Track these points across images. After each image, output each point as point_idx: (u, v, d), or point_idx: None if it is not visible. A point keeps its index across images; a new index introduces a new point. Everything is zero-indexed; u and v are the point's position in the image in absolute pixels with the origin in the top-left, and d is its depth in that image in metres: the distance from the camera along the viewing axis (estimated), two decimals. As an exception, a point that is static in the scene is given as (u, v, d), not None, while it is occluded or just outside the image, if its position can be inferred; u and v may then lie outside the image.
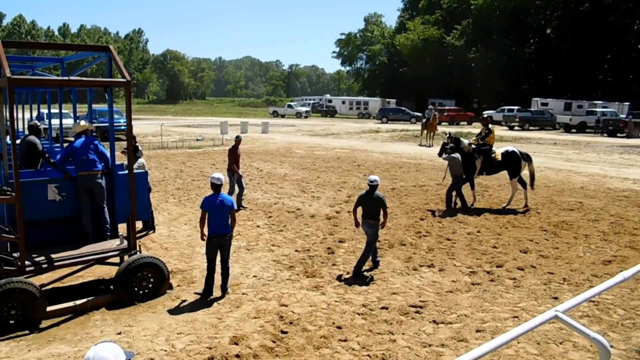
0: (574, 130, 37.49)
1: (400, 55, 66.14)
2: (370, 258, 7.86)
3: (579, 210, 11.94)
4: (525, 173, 12.20)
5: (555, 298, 6.72)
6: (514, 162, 11.83)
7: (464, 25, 59.87)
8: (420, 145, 26.60)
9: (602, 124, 35.39)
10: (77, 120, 7.92)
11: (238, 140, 11.83)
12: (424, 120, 27.58)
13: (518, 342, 5.44)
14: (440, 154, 12.23)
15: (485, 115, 12.81)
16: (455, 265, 8.08)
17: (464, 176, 11.71)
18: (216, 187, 6.68)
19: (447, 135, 12.29)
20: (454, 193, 11.89)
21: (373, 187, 7.53)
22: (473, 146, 12.04)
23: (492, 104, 51.65)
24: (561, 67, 54.38)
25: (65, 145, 8.16)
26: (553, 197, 13.38)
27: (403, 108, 52.03)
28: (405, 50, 63.94)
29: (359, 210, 7.70)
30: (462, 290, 7.02)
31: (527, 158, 12.01)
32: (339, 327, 5.84)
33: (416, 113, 48.39)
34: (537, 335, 5.60)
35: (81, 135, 6.99)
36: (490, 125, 12.30)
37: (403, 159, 20.79)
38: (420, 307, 6.42)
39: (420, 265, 8.02)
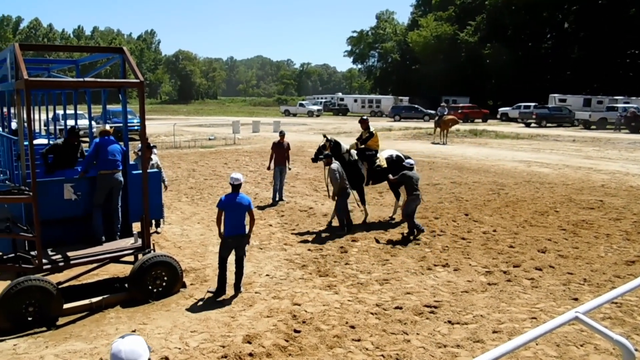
0: (593, 127, 36.87)
1: (413, 52, 65.62)
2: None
3: (599, 209, 11.71)
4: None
5: (575, 299, 6.60)
6: (401, 169, 10.04)
7: (478, 21, 59.22)
8: (434, 143, 26.41)
9: (624, 120, 34.71)
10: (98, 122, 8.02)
11: (282, 135, 12.24)
12: (437, 117, 27.37)
13: (537, 344, 5.34)
14: (315, 160, 10.36)
15: (364, 117, 11.01)
16: (470, 264, 7.98)
17: (348, 189, 9.69)
18: (234, 187, 6.68)
19: (326, 138, 10.29)
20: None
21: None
22: (354, 151, 10.41)
23: (507, 101, 50.97)
24: (580, 62, 53.51)
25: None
26: (572, 195, 13.16)
27: (416, 106, 51.66)
28: (418, 47, 63.48)
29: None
30: (478, 291, 6.93)
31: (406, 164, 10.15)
32: (353, 327, 5.80)
33: (429, 111, 48.05)
34: (556, 337, 5.49)
35: (103, 137, 7.07)
36: (372, 128, 10.67)
37: (416, 157, 20.38)
38: (435, 307, 6.35)
39: (435, 265, 7.93)
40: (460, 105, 47.91)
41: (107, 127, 7.57)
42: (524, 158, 20.46)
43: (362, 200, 10.50)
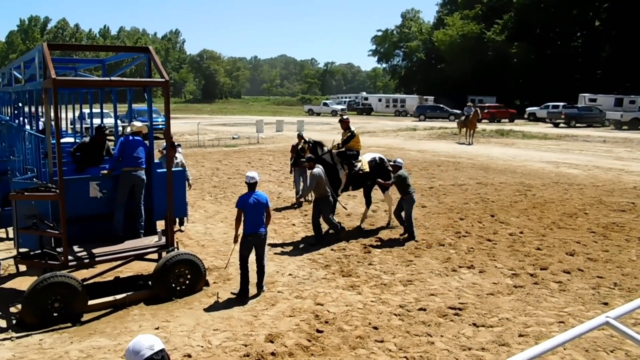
0: (625, 128, 35.77)
1: (438, 51, 64.83)
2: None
3: (631, 211, 11.33)
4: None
5: (605, 304, 6.39)
6: (384, 172, 9.79)
7: (505, 19, 58.13)
8: (459, 143, 26.03)
9: None
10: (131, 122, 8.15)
11: (300, 137, 11.90)
12: (463, 117, 26.96)
13: (564, 349, 5.19)
14: (295, 164, 9.69)
15: (344, 117, 10.21)
16: (496, 266, 7.81)
17: (330, 195, 8.93)
18: (250, 185, 6.68)
19: (303, 140, 9.56)
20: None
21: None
22: (334, 152, 9.64)
23: (535, 100, 49.87)
24: (611, 61, 51.98)
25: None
26: (602, 197, 12.77)
27: (441, 105, 51.02)
28: (444, 46, 62.71)
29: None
30: (504, 293, 6.78)
31: (396, 163, 9.50)
32: (376, 328, 5.75)
33: (455, 110, 47.38)
34: (585, 342, 5.32)
35: (135, 135, 7.18)
36: (353, 128, 9.88)
37: (441, 157, 20.38)
38: (460, 309, 6.25)
39: (460, 266, 7.80)
40: (487, 104, 47.11)
41: (139, 124, 7.63)
42: (552, 159, 19.98)
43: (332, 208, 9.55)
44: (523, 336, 5.56)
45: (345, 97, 70.41)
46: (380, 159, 9.98)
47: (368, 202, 10.25)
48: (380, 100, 62.70)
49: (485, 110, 42.69)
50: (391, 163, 9.59)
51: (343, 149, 9.69)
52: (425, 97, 59.04)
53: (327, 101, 64.48)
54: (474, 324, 5.86)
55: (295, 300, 6.53)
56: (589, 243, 8.94)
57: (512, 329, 5.75)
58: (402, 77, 78.60)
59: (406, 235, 9.18)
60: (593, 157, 20.37)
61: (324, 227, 9.20)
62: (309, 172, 8.91)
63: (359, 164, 9.67)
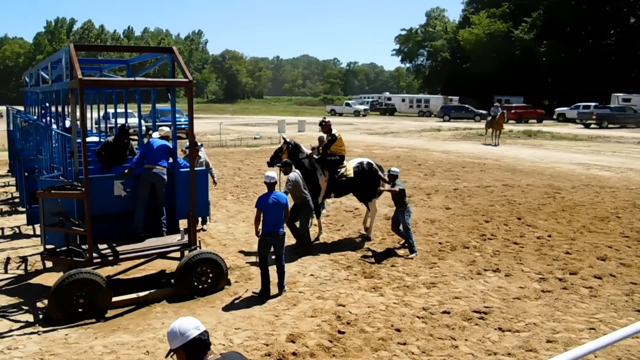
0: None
1: (464, 50, 63.91)
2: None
3: (666, 214, 10.93)
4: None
5: (639, 311, 6.15)
6: (371, 179, 9.01)
7: (534, 17, 56.93)
8: (485, 144, 25.60)
9: None
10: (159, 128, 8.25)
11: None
12: (489, 117, 26.50)
13: (595, 356, 5.00)
14: (271, 164, 8.92)
15: (325, 119, 9.37)
16: (523, 270, 7.62)
17: (309, 201, 8.29)
18: (270, 185, 6.70)
19: (284, 141, 9.07)
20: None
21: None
22: (315, 157, 9.04)
23: (564, 101, 48.64)
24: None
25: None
26: (636, 200, 12.33)
27: (466, 105, 50.34)
28: (469, 45, 61.80)
29: None
30: (531, 298, 6.61)
31: (391, 173, 8.73)
32: (398, 330, 5.67)
33: (480, 111, 46.66)
34: (618, 350, 5.12)
35: (162, 139, 7.31)
36: (335, 131, 9.16)
37: (466, 159, 20.07)
38: (485, 312, 6.11)
39: (485, 270, 7.63)
40: (514, 105, 46.24)
41: (167, 129, 7.75)
42: (582, 160, 19.45)
43: (317, 214, 9.11)
44: (551, 342, 5.39)
45: (368, 97, 70.12)
46: (369, 164, 9.18)
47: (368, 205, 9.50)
48: (403, 100, 62.23)
49: (512, 111, 41.90)
50: (386, 173, 8.87)
51: (323, 154, 9.02)
52: (449, 97, 58.34)
53: (350, 101, 64.29)
54: (500, 329, 5.72)
55: (317, 301, 6.49)
56: (622, 248, 8.63)
57: (539, 334, 5.59)
58: (426, 77, 77.82)
59: (407, 249, 8.40)
60: (626, 159, 19.74)
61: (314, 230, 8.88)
62: (284, 176, 8.18)
63: (342, 170, 8.97)
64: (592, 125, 37.59)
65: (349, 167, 9.06)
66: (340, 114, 57.59)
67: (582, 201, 12.19)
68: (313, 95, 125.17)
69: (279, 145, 9.07)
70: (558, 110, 45.97)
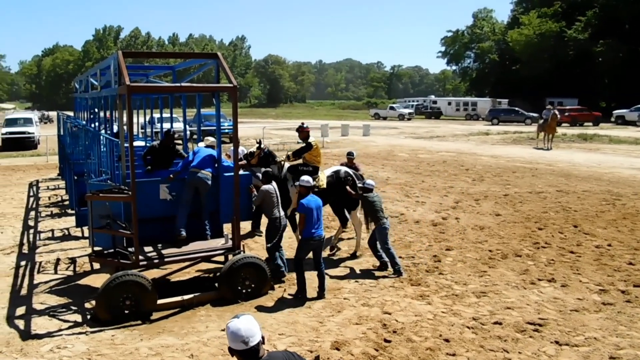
0: None
1: (513, 52, 61.94)
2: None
3: None
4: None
5: None
6: (345, 189, 8.17)
7: (589, 15, 54.48)
8: (537, 148, 24.61)
9: None
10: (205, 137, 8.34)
11: (351, 156, 9.94)
12: (541, 120, 25.44)
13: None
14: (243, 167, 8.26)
15: (303, 125, 8.57)
16: (581, 281, 7.18)
17: (276, 218, 7.25)
18: (306, 189, 6.73)
19: (258, 144, 8.45)
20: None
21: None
22: (286, 165, 8.40)
23: (623, 102, 46.14)
24: None
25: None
26: None
27: (516, 108, 48.70)
28: (519, 46, 59.84)
29: None
30: (590, 310, 6.20)
31: (365, 185, 7.99)
32: (447, 340, 5.45)
33: (531, 114, 45.03)
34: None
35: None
36: (312, 139, 8.45)
37: (516, 163, 19.33)
38: (540, 325, 5.79)
39: (539, 279, 7.24)
40: (567, 107, 44.35)
41: (213, 139, 7.87)
42: (644, 165, 18.34)
43: (293, 228, 8.47)
44: (614, 358, 5.04)
45: (413, 101, 69.18)
46: (346, 172, 8.45)
47: (344, 223, 8.81)
48: (449, 103, 61.02)
49: (566, 114, 40.17)
50: (360, 185, 8.14)
51: (295, 163, 8.41)
52: (498, 99, 56.69)
53: (394, 105, 63.61)
54: (557, 342, 5.39)
55: (362, 308, 6.33)
56: (692, 258, 8.00)
57: (601, 350, 5.22)
58: (473, 80, 76.01)
59: (382, 269, 7.65)
60: (692, 163, 18.47)
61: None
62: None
63: (315, 180, 7.99)
64: (654, 128, 35.51)
65: (322, 177, 8.28)
66: (384, 118, 57.08)
67: (645, 208, 11.44)
68: (356, 99, 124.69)
69: (251, 150, 8.59)
70: (616, 112, 43.73)
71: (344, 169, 8.65)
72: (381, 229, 7.61)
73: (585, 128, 37.70)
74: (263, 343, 2.68)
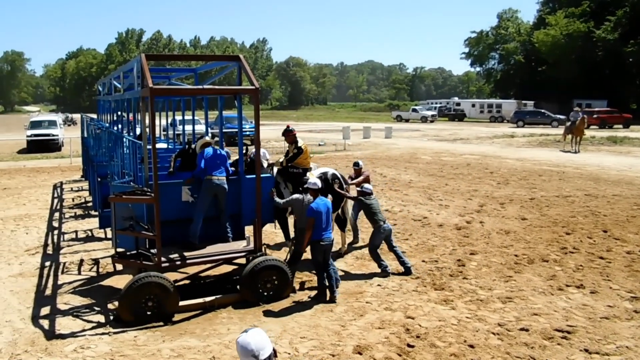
0: None
1: (539, 53, 60.71)
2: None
3: None
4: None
5: None
6: (332, 192, 8.08)
7: (619, 15, 53.07)
8: (564, 151, 24.06)
9: None
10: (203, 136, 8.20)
11: (357, 166, 9.60)
12: (569, 123, 24.88)
13: None
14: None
15: (289, 128, 8.39)
16: (611, 287, 6.95)
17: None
18: (315, 192, 6.74)
19: (246, 148, 8.26)
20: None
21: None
22: (275, 169, 8.41)
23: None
24: None
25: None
26: None
27: (542, 110, 47.74)
28: (545, 47, 58.64)
29: None
30: (622, 318, 5.99)
31: (363, 189, 7.93)
32: (472, 346, 5.33)
33: (558, 116, 44.07)
34: None
35: (207, 147, 7.25)
36: (301, 142, 8.29)
37: (543, 166, 18.91)
38: (568, 332, 5.62)
39: (567, 285, 7.04)
40: (596, 109, 43.27)
41: (207, 138, 7.66)
42: (677, 168, 17.73)
43: (286, 234, 8.48)
44: (648, 369, 4.83)
45: (436, 103, 68.44)
46: (333, 175, 8.32)
47: (342, 226, 8.74)
48: (473, 105, 60.18)
49: (595, 116, 39.24)
50: (358, 189, 8.08)
51: (285, 166, 8.31)
52: (523, 101, 55.66)
53: (417, 107, 63.03)
54: (586, 350, 5.23)
55: (385, 312, 6.24)
56: None
57: (634, 359, 5.03)
58: (498, 81, 74.83)
59: (406, 273, 7.61)
60: None
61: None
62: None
63: (305, 182, 7.69)
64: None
65: (311, 179, 7.84)
66: (407, 120, 56.59)
67: (679, 212, 11.04)
68: (378, 101, 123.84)
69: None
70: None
71: (331, 170, 8.59)
72: (378, 232, 7.69)
73: (615, 130, 36.74)
74: (275, 356, 2.64)
